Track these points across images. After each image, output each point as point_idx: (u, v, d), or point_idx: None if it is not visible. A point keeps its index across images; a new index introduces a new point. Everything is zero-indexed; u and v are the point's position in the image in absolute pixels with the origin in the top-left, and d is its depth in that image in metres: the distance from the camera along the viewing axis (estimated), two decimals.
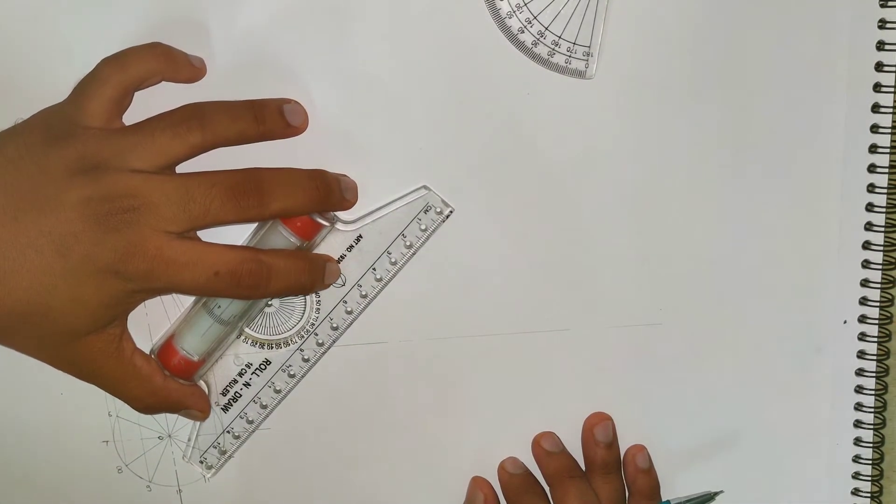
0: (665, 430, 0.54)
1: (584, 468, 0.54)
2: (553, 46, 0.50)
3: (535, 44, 0.50)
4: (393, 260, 0.52)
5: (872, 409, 0.53)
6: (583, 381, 0.54)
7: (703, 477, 0.54)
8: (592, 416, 0.54)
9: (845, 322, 0.53)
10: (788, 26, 0.50)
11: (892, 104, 0.50)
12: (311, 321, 0.52)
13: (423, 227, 0.52)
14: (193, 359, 0.51)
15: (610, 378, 0.54)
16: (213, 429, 0.53)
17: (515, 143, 0.51)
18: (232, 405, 0.53)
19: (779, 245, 0.52)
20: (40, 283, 0.44)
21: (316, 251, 0.51)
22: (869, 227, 0.52)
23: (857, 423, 0.53)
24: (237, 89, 0.49)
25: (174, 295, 0.51)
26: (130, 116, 0.48)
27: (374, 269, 0.52)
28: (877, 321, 0.52)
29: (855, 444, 0.54)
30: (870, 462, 0.53)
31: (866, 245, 0.52)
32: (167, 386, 0.50)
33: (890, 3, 0.49)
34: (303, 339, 0.53)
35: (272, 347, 0.53)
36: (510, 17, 0.50)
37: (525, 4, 0.50)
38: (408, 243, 0.52)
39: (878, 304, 0.52)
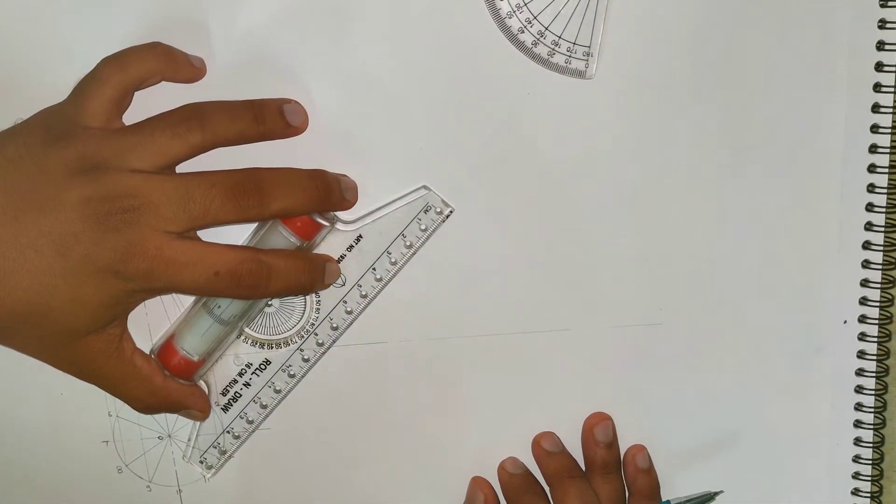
0: (665, 430, 0.54)
1: (584, 468, 0.54)
2: (553, 46, 0.50)
3: (535, 44, 0.50)
4: (393, 260, 0.52)
5: (872, 409, 0.53)
6: (583, 381, 0.54)
7: (703, 477, 0.54)
8: (592, 416, 0.54)
9: (845, 322, 0.53)
10: (788, 26, 0.50)
11: (892, 104, 0.50)
12: (311, 321, 0.52)
13: (423, 227, 0.52)
14: (193, 359, 0.51)
15: (610, 378, 0.54)
16: (213, 429, 0.53)
17: (515, 143, 0.51)
18: (232, 405, 0.53)
19: (779, 245, 0.52)
20: (40, 283, 0.44)
21: (316, 251, 0.51)
22: (869, 227, 0.52)
23: (857, 423, 0.53)
24: (237, 89, 0.49)
25: (174, 295, 0.51)
26: (130, 116, 0.48)
27: (374, 269, 0.52)
28: (877, 321, 0.52)
29: (855, 444, 0.54)
30: (870, 462, 0.53)
31: (866, 245, 0.52)
32: (167, 386, 0.50)
33: (890, 4, 0.49)
34: (303, 339, 0.53)
35: (272, 347, 0.53)
36: (510, 17, 0.50)
37: (525, 4, 0.50)
38: (408, 243, 0.52)
39: (878, 304, 0.52)
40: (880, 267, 0.52)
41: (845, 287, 0.52)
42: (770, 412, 0.54)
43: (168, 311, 0.52)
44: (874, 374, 0.53)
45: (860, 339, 0.53)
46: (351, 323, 0.52)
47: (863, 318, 0.52)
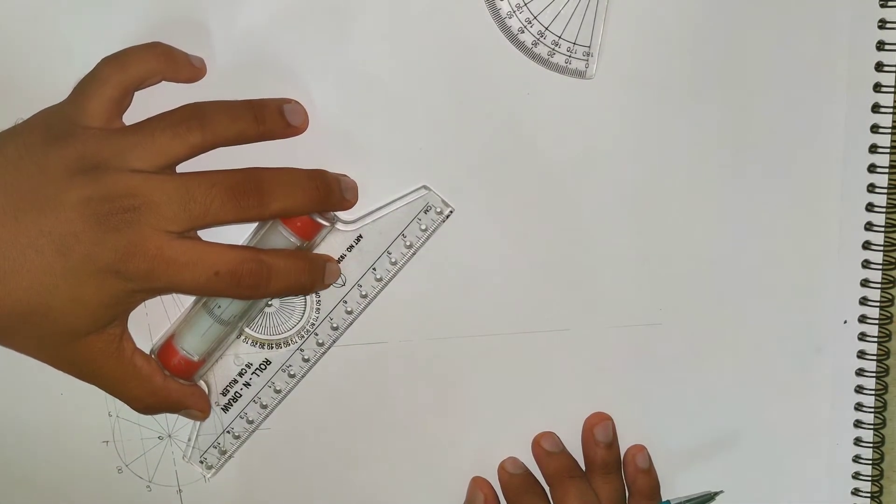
0: (665, 430, 0.54)
1: (584, 468, 0.54)
2: (553, 46, 0.50)
3: (535, 44, 0.50)
4: (393, 260, 0.52)
5: (872, 409, 0.53)
6: (583, 381, 0.54)
7: (703, 477, 0.54)
8: (592, 416, 0.54)
9: (845, 322, 0.53)
10: (788, 26, 0.50)
11: (892, 104, 0.50)
12: (311, 321, 0.52)
13: (423, 227, 0.52)
14: (193, 359, 0.51)
15: (610, 378, 0.54)
16: (213, 429, 0.53)
17: (515, 143, 0.51)
18: (232, 405, 0.53)
19: (779, 245, 0.52)
20: (41, 283, 0.44)
21: (316, 251, 0.51)
22: (869, 227, 0.52)
23: (857, 423, 0.53)
24: (237, 89, 0.49)
25: (174, 295, 0.51)
26: (130, 116, 0.48)
27: (374, 269, 0.52)
28: (877, 321, 0.52)
29: (855, 444, 0.54)
30: (870, 462, 0.53)
31: (866, 245, 0.52)
32: (167, 386, 0.50)
33: (890, 4, 0.49)
34: (303, 339, 0.53)
35: (272, 347, 0.53)
36: (510, 17, 0.50)
37: (525, 4, 0.50)
38: (408, 243, 0.52)
39: (878, 304, 0.52)
40: (880, 267, 0.52)
41: (845, 287, 0.52)
42: (770, 412, 0.54)
43: (168, 311, 0.52)
44: (874, 374, 0.53)
45: (860, 339, 0.53)
46: (351, 323, 0.52)
47: (863, 318, 0.52)
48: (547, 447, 0.53)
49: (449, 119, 0.51)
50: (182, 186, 0.46)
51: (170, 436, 0.54)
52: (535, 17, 0.50)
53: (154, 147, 0.46)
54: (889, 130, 0.50)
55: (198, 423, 0.53)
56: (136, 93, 0.48)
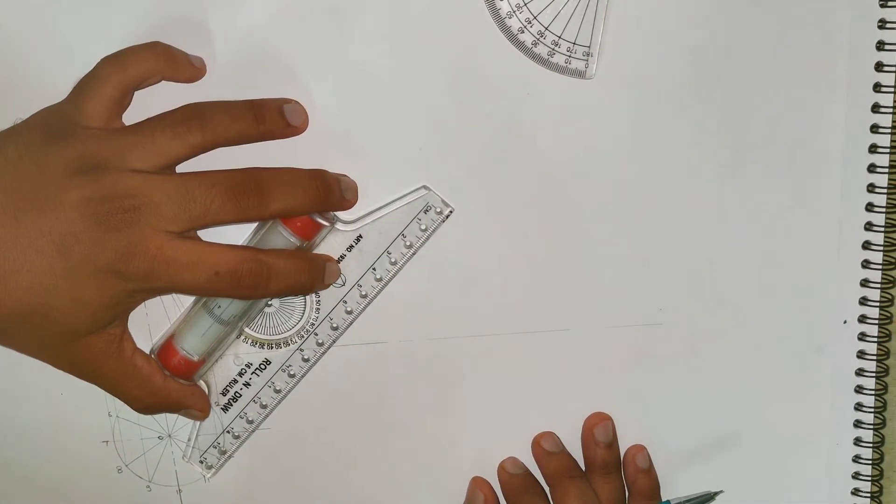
0: (665, 430, 0.54)
1: (584, 468, 0.54)
2: (553, 46, 0.50)
3: (535, 44, 0.50)
4: (393, 260, 0.52)
5: (872, 409, 0.53)
6: (583, 381, 0.54)
7: (703, 477, 0.54)
8: (592, 416, 0.54)
9: (845, 322, 0.53)
10: (788, 26, 0.50)
11: (892, 104, 0.50)
12: (311, 321, 0.52)
13: (423, 227, 0.52)
14: (193, 359, 0.51)
15: (610, 378, 0.54)
16: (213, 429, 0.53)
17: (515, 143, 0.51)
18: (232, 405, 0.53)
19: (779, 245, 0.52)
20: (41, 284, 0.44)
21: (316, 251, 0.51)
22: (869, 227, 0.52)
23: (857, 423, 0.53)
24: (237, 89, 0.49)
25: (174, 295, 0.51)
26: (130, 116, 0.48)
27: (374, 269, 0.52)
28: (877, 321, 0.52)
29: (855, 444, 0.54)
30: (870, 462, 0.53)
31: (866, 245, 0.52)
32: (167, 386, 0.50)
33: (890, 4, 0.49)
34: (303, 339, 0.53)
35: (272, 347, 0.53)
36: (510, 17, 0.50)
37: (525, 4, 0.50)
38: (408, 243, 0.52)
39: (878, 304, 0.52)
40: (880, 267, 0.52)
41: (845, 287, 0.52)
42: (770, 412, 0.54)
43: (168, 311, 0.52)
44: (874, 374, 0.53)
45: (860, 339, 0.53)
46: (351, 323, 0.52)
47: (863, 318, 0.52)
48: (547, 447, 0.53)
49: (449, 119, 0.51)
50: (182, 186, 0.46)
51: (170, 436, 0.54)
52: (534, 17, 0.50)
53: (154, 147, 0.46)
54: (889, 130, 0.50)
55: (198, 423, 0.53)
56: (136, 93, 0.48)
